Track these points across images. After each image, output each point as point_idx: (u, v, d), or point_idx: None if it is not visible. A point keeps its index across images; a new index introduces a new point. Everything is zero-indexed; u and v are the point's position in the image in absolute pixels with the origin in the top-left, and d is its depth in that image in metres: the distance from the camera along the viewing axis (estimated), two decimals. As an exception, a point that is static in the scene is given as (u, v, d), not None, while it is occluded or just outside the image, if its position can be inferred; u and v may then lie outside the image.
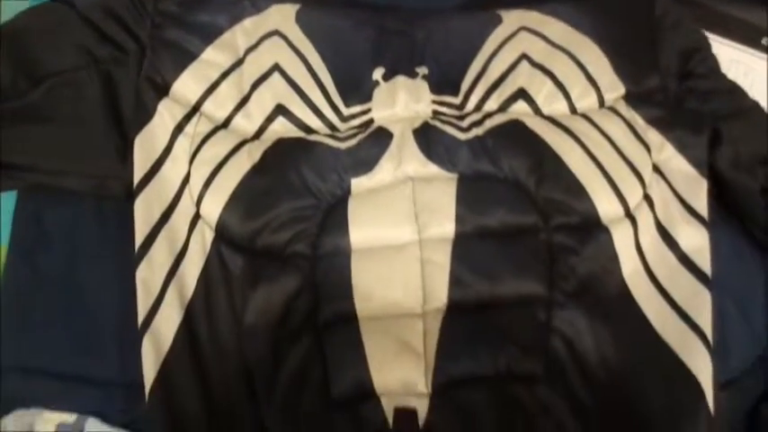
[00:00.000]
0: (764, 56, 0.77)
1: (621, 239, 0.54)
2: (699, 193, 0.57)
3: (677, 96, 0.62)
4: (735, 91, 0.65)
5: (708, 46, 0.66)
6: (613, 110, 0.60)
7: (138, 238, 0.55)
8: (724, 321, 0.57)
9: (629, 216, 0.55)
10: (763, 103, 0.65)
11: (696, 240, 0.55)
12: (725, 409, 0.54)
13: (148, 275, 0.54)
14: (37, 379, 0.52)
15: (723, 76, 0.66)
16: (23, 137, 0.60)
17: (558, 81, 0.60)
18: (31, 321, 0.55)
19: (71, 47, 0.61)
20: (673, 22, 0.64)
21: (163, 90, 0.59)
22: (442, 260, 0.53)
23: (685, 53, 0.64)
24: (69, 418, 0.50)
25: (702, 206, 0.57)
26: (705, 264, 0.54)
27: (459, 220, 0.54)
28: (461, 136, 0.58)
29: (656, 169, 0.58)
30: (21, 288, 0.56)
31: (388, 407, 0.48)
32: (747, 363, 0.57)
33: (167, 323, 0.52)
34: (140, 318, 0.52)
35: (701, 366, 0.49)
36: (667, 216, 0.56)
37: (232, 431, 0.49)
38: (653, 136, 0.59)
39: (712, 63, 0.66)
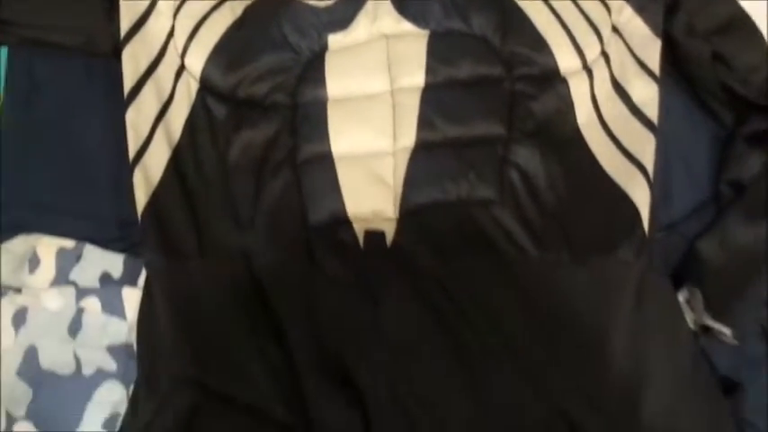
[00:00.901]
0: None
1: (578, 89, 0.58)
2: (653, 51, 0.61)
3: None
4: None
5: None
6: (578, -28, 0.63)
7: (127, 86, 0.59)
8: (669, 171, 0.63)
9: (587, 69, 0.59)
10: None
11: (646, 93, 0.60)
12: (666, 247, 0.60)
13: (137, 118, 0.58)
14: (37, 211, 0.57)
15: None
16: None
17: (524, -59, 0.63)
18: (30, 161, 0.59)
19: None
20: None
21: (146, -56, 0.61)
22: (412, 105, 0.57)
23: None
24: (69, 243, 0.55)
25: (655, 64, 0.61)
26: (653, 114, 0.59)
27: (429, 70, 0.58)
28: None
29: (615, 30, 0.62)
30: (18, 131, 0.60)
31: (360, 231, 0.53)
32: (688, 209, 0.62)
33: (156, 160, 0.57)
34: (131, 155, 0.56)
35: (640, 195, 0.55)
36: (622, 71, 0.60)
37: (218, 252, 0.54)
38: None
39: None
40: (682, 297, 0.57)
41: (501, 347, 0.48)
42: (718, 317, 0.56)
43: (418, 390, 0.47)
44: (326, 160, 0.56)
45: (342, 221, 0.54)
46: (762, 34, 0.65)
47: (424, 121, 0.56)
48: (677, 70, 0.65)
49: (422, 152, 0.55)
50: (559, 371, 0.48)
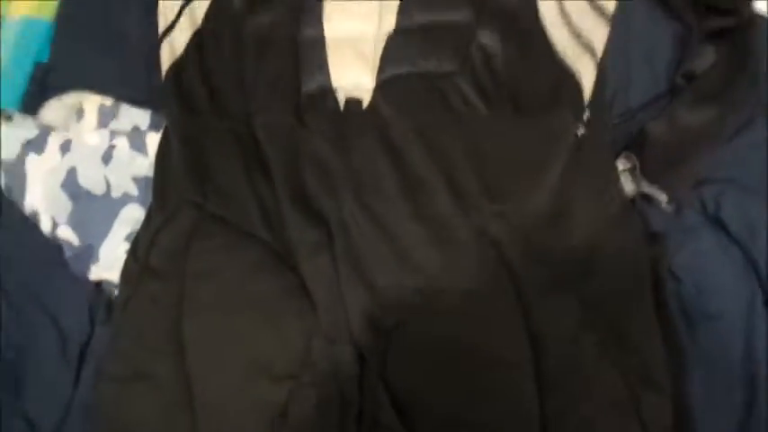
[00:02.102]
0: None
1: (542, -15, 0.66)
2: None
3: None
4: None
5: None
6: None
7: (160, -25, 0.70)
8: (629, 64, 0.69)
9: (549, -34, 0.66)
10: None
11: (607, -7, 0.67)
12: (620, 132, 0.67)
13: (165, 6, 0.69)
14: (85, 75, 0.69)
15: None
16: None
17: None
18: (80, 35, 0.71)
19: None
20: None
21: None
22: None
23: None
24: (108, 101, 0.67)
25: (614, -40, 0.68)
26: (609, 6, 0.66)
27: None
28: None
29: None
30: (72, 13, 0.72)
31: (342, 98, 0.63)
32: (646, 98, 0.69)
33: (180, 37, 0.68)
34: (160, 32, 0.68)
35: (585, 71, 0.62)
36: (583, -32, 0.67)
37: (225, 111, 0.65)
38: None
39: None
40: (621, 165, 0.64)
41: (444, 181, 0.57)
42: (653, 183, 0.63)
43: (374, 213, 0.57)
44: (319, 42, 0.66)
45: (328, 91, 0.64)
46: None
47: (403, 10, 0.65)
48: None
49: (400, 35, 0.64)
50: (490, 200, 0.56)
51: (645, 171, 0.63)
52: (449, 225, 0.56)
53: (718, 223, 0.64)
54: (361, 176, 0.59)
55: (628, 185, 0.64)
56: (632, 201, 0.64)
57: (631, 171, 0.64)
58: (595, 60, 0.64)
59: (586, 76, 0.63)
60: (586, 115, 0.61)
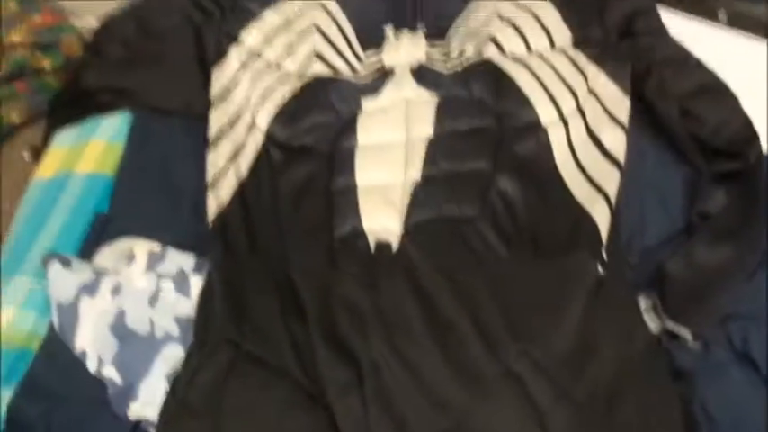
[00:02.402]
0: (720, 27, 0.92)
1: (556, 137, 0.72)
2: (622, 107, 0.75)
3: (617, 44, 0.80)
4: (676, 48, 0.83)
5: (653, 10, 0.84)
6: (562, 51, 0.79)
7: (211, 135, 0.79)
8: (644, 206, 0.73)
9: (563, 120, 0.73)
10: (710, 66, 0.81)
11: (616, 140, 0.73)
12: (640, 273, 0.70)
13: (215, 159, 0.77)
14: (138, 223, 0.75)
15: (666, 35, 0.84)
16: (139, 73, 0.86)
17: (519, 30, 0.80)
18: (136, 190, 0.79)
19: (176, 13, 0.88)
20: None
21: (234, 39, 0.84)
22: (420, 150, 0.73)
23: (630, 15, 0.82)
24: (156, 247, 0.73)
25: (624, 117, 0.74)
26: (620, 155, 0.71)
27: (436, 125, 0.74)
28: (445, 71, 0.79)
29: (592, 92, 0.76)
30: (131, 170, 0.81)
31: (372, 241, 0.68)
32: (662, 237, 0.72)
33: (226, 188, 0.75)
34: (207, 183, 0.75)
35: (600, 215, 0.67)
36: (596, 123, 0.74)
37: (264, 254, 0.70)
38: (591, 68, 0.77)
39: (655, 23, 0.84)
40: (643, 304, 0.66)
41: (470, 322, 0.59)
42: (676, 319, 0.64)
43: (404, 353, 0.59)
44: (352, 190, 0.72)
45: (359, 235, 0.69)
46: (733, 92, 0.77)
47: (428, 161, 0.71)
48: (653, 125, 0.78)
49: (424, 183, 0.70)
50: (514, 340, 0.58)
51: (668, 309, 0.65)
52: (476, 365, 0.57)
53: (746, 359, 0.64)
54: (390, 318, 0.62)
55: (653, 323, 0.65)
56: (658, 339, 0.65)
57: (654, 309, 0.66)
58: (609, 204, 0.68)
59: (602, 219, 0.67)
60: (604, 256, 0.65)
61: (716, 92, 0.78)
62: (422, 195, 0.70)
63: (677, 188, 0.75)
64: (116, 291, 0.67)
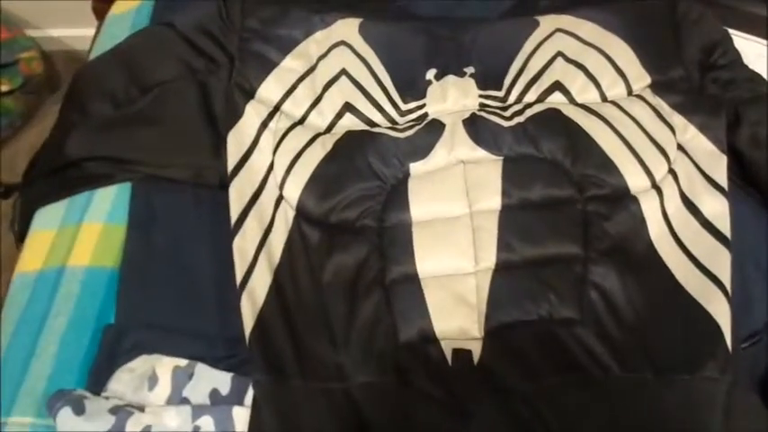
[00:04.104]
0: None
1: (649, 207, 0.61)
2: (719, 167, 0.64)
3: (700, 85, 0.69)
4: (755, 79, 0.73)
5: (728, 40, 0.74)
6: (641, 97, 0.68)
7: (234, 215, 0.65)
8: (746, 281, 0.64)
9: (656, 187, 0.62)
10: None
11: (717, 208, 0.62)
12: (746, 358, 0.61)
13: (243, 245, 0.64)
14: (154, 332, 0.63)
15: (744, 67, 0.74)
16: (135, 137, 0.72)
17: (589, 74, 0.69)
18: (148, 286, 0.66)
19: (173, 60, 0.73)
20: (694, 20, 0.72)
21: (250, 93, 0.70)
22: (490, 227, 0.61)
23: (707, 47, 0.72)
24: (182, 362, 0.60)
25: (723, 179, 0.64)
26: (725, 228, 0.61)
27: (504, 194, 0.63)
28: (505, 124, 0.67)
29: (681, 148, 0.65)
30: (138, 260, 0.67)
31: (447, 349, 0.57)
32: (765, 316, 0.63)
33: (260, 283, 0.62)
34: (238, 279, 0.63)
35: (720, 312, 0.56)
36: (691, 187, 0.63)
37: (317, 371, 0.58)
38: (677, 119, 0.66)
39: (733, 55, 0.73)
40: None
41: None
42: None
43: None
44: (414, 281, 0.60)
45: (430, 340, 0.58)
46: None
47: (502, 244, 0.60)
48: (747, 182, 0.68)
49: (502, 273, 0.59)
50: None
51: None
52: None
53: None
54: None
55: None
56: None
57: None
58: (725, 293, 0.58)
59: (722, 315, 0.57)
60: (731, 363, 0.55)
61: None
62: (501, 289, 0.59)
63: (776, 251, 0.66)
64: (144, 437, 0.55)
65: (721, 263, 0.59)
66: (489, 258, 0.60)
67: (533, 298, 0.58)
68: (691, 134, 0.66)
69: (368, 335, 0.59)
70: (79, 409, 0.55)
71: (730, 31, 0.81)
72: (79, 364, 0.61)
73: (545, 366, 0.55)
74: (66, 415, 0.54)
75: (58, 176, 0.72)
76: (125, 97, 0.73)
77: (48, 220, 0.71)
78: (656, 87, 0.68)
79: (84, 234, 0.69)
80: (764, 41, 0.82)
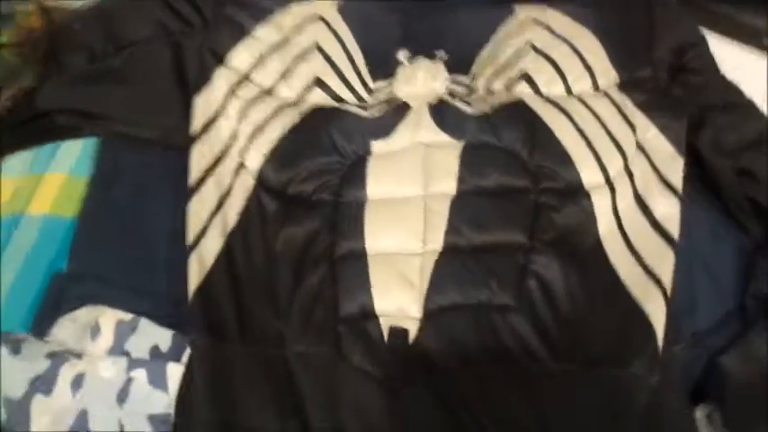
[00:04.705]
0: (765, 55, 0.82)
1: (600, 203, 0.62)
2: (676, 169, 0.64)
3: (667, 86, 0.69)
4: (729, 88, 0.72)
5: (703, 43, 0.73)
6: (606, 94, 0.68)
7: (192, 178, 0.66)
8: (693, 283, 0.64)
9: (609, 184, 0.63)
10: (757, 100, 0.72)
11: (668, 210, 0.63)
12: (689, 360, 0.61)
13: (198, 208, 0.65)
14: (103, 286, 0.64)
15: (717, 73, 0.73)
16: (106, 93, 0.73)
17: (557, 66, 0.69)
18: (102, 240, 0.67)
19: (149, 21, 0.74)
20: (670, 21, 0.72)
21: (220, 59, 0.71)
22: (442, 211, 0.62)
23: (679, 49, 0.71)
24: (126, 316, 0.61)
25: (678, 181, 0.64)
26: (674, 230, 0.61)
27: (460, 180, 0.63)
28: (470, 111, 0.67)
29: (640, 147, 0.65)
30: (96, 213, 0.68)
31: (385, 326, 0.58)
32: (713, 319, 0.63)
33: (210, 247, 0.63)
34: (189, 241, 0.63)
35: (656, 312, 0.57)
36: (645, 187, 0.64)
37: (256, 336, 0.59)
38: (639, 118, 0.67)
39: (707, 59, 0.73)
40: (700, 413, 0.57)
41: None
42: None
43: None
44: (360, 257, 0.61)
45: (370, 316, 0.58)
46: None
47: (451, 228, 0.61)
48: (703, 183, 0.68)
49: (447, 256, 0.60)
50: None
51: (728, 420, 0.56)
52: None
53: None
54: (411, 429, 0.52)
55: (707, 433, 0.57)
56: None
57: (710, 419, 0.57)
58: (665, 295, 0.58)
59: (657, 315, 0.57)
60: (661, 360, 0.55)
61: (772, 144, 0.68)
62: (445, 272, 0.59)
63: (730, 262, 0.66)
64: (77, 383, 0.56)
65: (665, 264, 0.60)
66: (437, 240, 0.61)
67: (474, 283, 0.58)
68: (652, 133, 0.66)
69: (309, 306, 0.60)
70: (16, 350, 0.56)
71: (726, 40, 0.81)
72: (27, 308, 0.62)
73: (477, 351, 0.55)
74: (3, 354, 0.55)
75: (27, 126, 0.73)
76: (101, 53, 0.73)
77: (12, 168, 0.72)
78: (623, 86, 0.68)
79: (46, 183, 0.70)
80: (764, 54, 0.82)
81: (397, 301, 0.59)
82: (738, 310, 0.64)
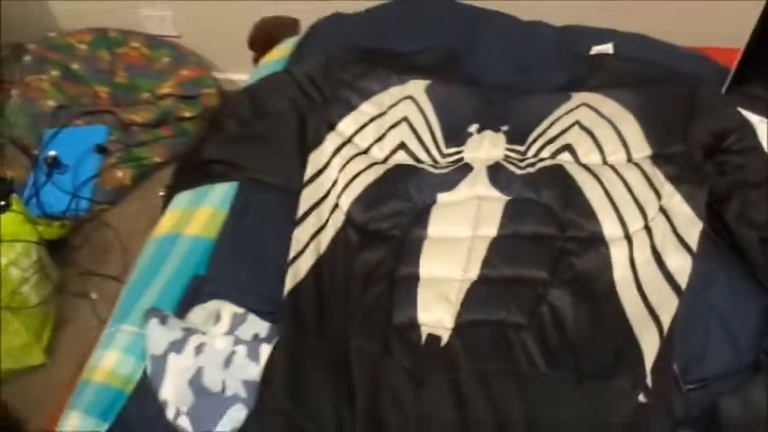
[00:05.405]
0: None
1: (617, 253, 0.73)
2: (693, 231, 0.74)
3: (701, 164, 0.79)
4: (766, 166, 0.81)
5: (745, 128, 0.83)
6: (638, 165, 0.80)
7: (299, 212, 0.88)
8: (707, 335, 0.72)
9: (627, 238, 0.74)
10: None
11: (681, 264, 0.72)
12: (697, 400, 0.68)
13: (300, 235, 0.86)
14: (227, 286, 0.85)
15: (761, 154, 0.82)
16: (249, 149, 0.98)
17: (597, 141, 0.82)
18: (231, 254, 0.89)
19: (285, 97, 0.99)
20: (710, 108, 0.83)
21: (331, 127, 0.93)
22: (482, 249, 0.77)
23: (720, 132, 0.82)
24: (240, 310, 0.82)
25: (694, 241, 0.74)
26: (683, 280, 0.71)
27: (501, 226, 0.78)
28: (518, 172, 0.83)
29: (663, 210, 0.76)
30: (229, 235, 0.91)
31: (424, 333, 0.73)
32: (724, 369, 0.69)
33: (305, 263, 0.83)
34: (289, 258, 0.84)
35: (649, 341, 0.67)
36: (663, 243, 0.74)
37: (328, 335, 0.76)
38: (667, 187, 0.78)
39: (750, 143, 0.82)
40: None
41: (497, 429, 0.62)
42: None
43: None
44: (414, 280, 0.77)
45: (414, 325, 0.74)
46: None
47: (487, 262, 0.75)
48: (727, 247, 0.76)
49: (480, 283, 0.74)
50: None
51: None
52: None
53: None
54: (428, 411, 0.66)
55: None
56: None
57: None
58: (660, 331, 0.68)
59: (649, 346, 0.67)
60: (648, 383, 0.65)
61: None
62: (475, 295, 0.74)
63: (749, 320, 0.73)
64: (199, 350, 0.77)
65: (667, 307, 0.69)
66: (474, 271, 0.75)
67: (498, 305, 0.72)
68: (676, 200, 0.77)
69: (370, 313, 0.76)
70: (163, 321, 0.79)
71: None
72: (175, 298, 0.86)
73: (491, 356, 0.68)
74: (154, 323, 0.78)
75: (194, 172, 1.00)
76: (247, 120, 0.99)
77: (179, 202, 0.99)
78: (655, 158, 0.80)
79: (199, 213, 0.95)
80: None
81: (436, 315, 0.74)
82: (753, 365, 0.70)
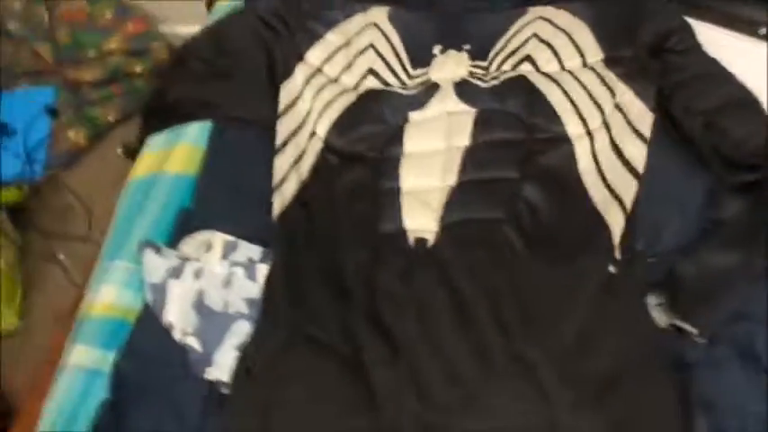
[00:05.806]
0: (763, 42, 0.95)
1: (581, 148, 0.80)
2: (646, 122, 0.82)
3: (647, 63, 0.87)
4: (707, 61, 0.88)
5: (686, 29, 0.90)
6: (592, 69, 0.86)
7: (278, 142, 0.91)
8: (661, 210, 0.80)
9: (589, 134, 0.81)
10: (750, 84, 0.86)
11: (637, 151, 0.80)
12: (654, 269, 0.76)
13: (281, 162, 0.89)
14: (215, 218, 0.88)
15: (700, 52, 0.89)
16: (218, 87, 0.99)
17: (554, 50, 0.88)
18: (215, 188, 0.92)
19: (248, 33, 1.00)
20: (655, 11, 0.90)
21: (299, 58, 0.96)
22: (457, 158, 0.82)
23: (663, 33, 0.89)
24: (230, 238, 0.85)
25: (647, 130, 0.81)
26: (640, 166, 0.79)
27: (472, 136, 0.84)
28: (483, 85, 0.88)
29: (618, 107, 0.83)
30: (210, 169, 0.94)
31: (411, 237, 0.78)
32: (679, 243, 0.78)
33: (289, 189, 0.87)
34: (274, 184, 0.87)
35: (615, 221, 0.75)
36: (620, 136, 0.81)
37: (318, 246, 0.81)
38: (620, 86, 0.84)
39: (689, 41, 0.89)
40: (654, 300, 0.73)
41: (490, 312, 0.69)
42: (684, 317, 0.71)
43: (430, 336, 0.69)
44: (396, 193, 0.82)
45: (401, 232, 0.79)
46: (760, 104, 0.82)
47: (462, 169, 0.81)
48: (676, 138, 0.84)
49: (458, 189, 0.80)
50: (526, 328, 0.67)
51: (676, 307, 0.72)
52: (491, 348, 0.67)
53: (749, 356, 0.71)
54: (422, 304, 0.72)
55: (661, 319, 0.73)
56: (664, 331, 0.72)
57: (663, 306, 0.73)
58: (624, 210, 0.76)
59: (616, 224, 0.75)
60: (617, 256, 0.72)
61: (743, 106, 0.84)
62: (456, 199, 0.79)
63: (697, 198, 0.81)
64: (197, 274, 0.80)
65: (628, 190, 0.77)
66: (452, 179, 0.81)
67: (476, 205, 0.78)
68: (628, 97, 0.84)
69: (357, 226, 0.81)
70: (157, 251, 0.81)
71: (728, 33, 0.96)
72: (164, 233, 0.88)
73: (476, 250, 0.75)
74: (149, 253, 0.81)
75: (163, 115, 1.01)
76: (213, 59, 1.00)
77: (154, 144, 1.00)
78: (607, 61, 0.86)
79: (177, 151, 0.97)
80: (736, 34, 0.96)
81: (421, 221, 0.79)
82: (701, 234, 0.79)
